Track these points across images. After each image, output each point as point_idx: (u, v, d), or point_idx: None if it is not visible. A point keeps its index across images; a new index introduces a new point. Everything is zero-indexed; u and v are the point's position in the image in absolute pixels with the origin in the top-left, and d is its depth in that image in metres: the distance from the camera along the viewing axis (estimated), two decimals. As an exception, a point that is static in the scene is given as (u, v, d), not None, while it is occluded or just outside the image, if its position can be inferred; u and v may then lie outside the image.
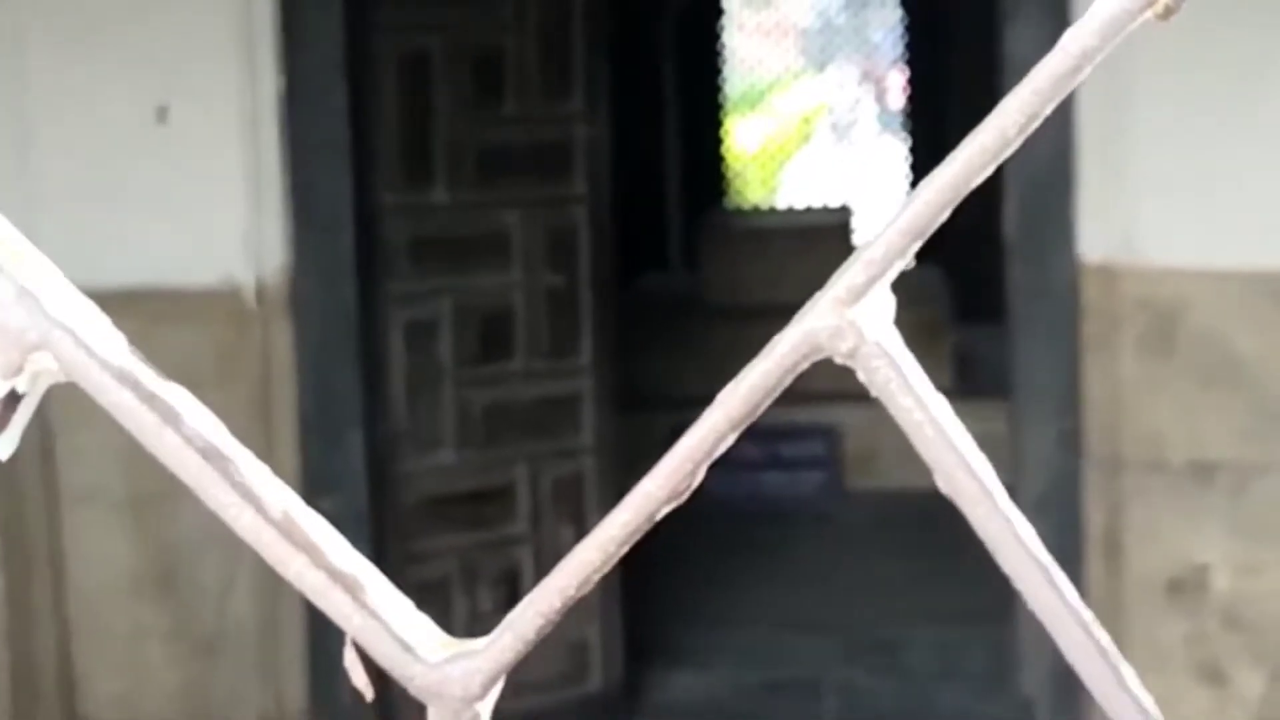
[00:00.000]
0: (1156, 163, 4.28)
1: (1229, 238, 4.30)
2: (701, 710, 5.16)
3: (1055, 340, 4.43)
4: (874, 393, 0.44)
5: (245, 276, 4.45)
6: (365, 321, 4.63)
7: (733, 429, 0.44)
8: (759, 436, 6.98)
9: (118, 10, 4.38)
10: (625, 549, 0.45)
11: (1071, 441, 4.36)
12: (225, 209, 4.45)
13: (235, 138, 4.43)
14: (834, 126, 18.43)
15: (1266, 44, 4.19)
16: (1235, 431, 4.32)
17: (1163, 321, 4.32)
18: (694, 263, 9.17)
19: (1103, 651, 0.43)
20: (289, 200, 4.48)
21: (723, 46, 12.36)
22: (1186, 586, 4.33)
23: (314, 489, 4.37)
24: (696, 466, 0.44)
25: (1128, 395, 4.35)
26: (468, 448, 4.85)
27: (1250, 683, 4.31)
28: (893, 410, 0.43)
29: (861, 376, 0.43)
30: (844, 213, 9.43)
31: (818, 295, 0.44)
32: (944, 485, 0.44)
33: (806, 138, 17.64)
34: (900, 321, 0.44)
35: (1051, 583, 0.44)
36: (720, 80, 12.22)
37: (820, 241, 8.48)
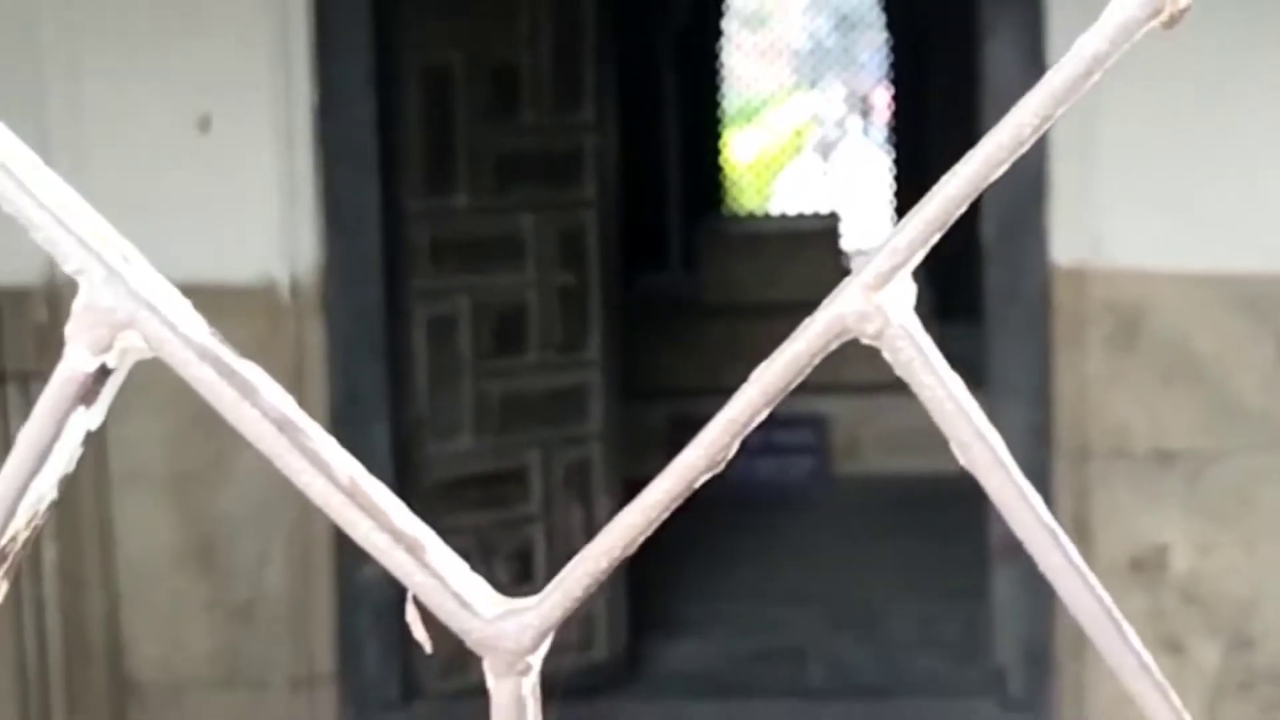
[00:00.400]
0: (1124, 174, 4.28)
1: (1190, 245, 4.30)
2: (698, 676, 5.17)
3: (1028, 339, 4.43)
4: (898, 371, 0.44)
5: (280, 274, 4.45)
6: (390, 317, 4.62)
7: (767, 404, 0.44)
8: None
9: (164, 32, 4.38)
10: (667, 514, 0.45)
11: (1042, 432, 4.36)
12: (262, 212, 4.45)
13: (271, 146, 4.43)
14: (823, 139, 18.42)
15: (1228, 63, 4.19)
16: (1193, 423, 4.32)
17: (1127, 322, 4.32)
18: (692, 264, 9.16)
19: (1106, 609, 0.43)
20: (321, 204, 4.48)
21: (721, 64, 12.34)
22: (1148, 565, 4.33)
23: (343, 471, 4.36)
24: (734, 438, 0.44)
25: (1094, 390, 4.35)
26: (485, 434, 4.85)
27: (1206, 653, 4.32)
28: (915, 387, 0.43)
29: (887, 356, 0.43)
30: (832, 219, 9.42)
31: (845, 280, 0.44)
32: (961, 456, 0.44)
33: (798, 149, 17.63)
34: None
35: (1059, 544, 0.44)
36: (719, 95, 12.21)
37: (810, 245, 8.47)
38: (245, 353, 0.48)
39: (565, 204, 4.91)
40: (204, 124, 4.39)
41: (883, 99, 14.67)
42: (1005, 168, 0.43)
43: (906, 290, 0.43)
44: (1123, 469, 4.34)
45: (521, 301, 4.89)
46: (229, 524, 4.50)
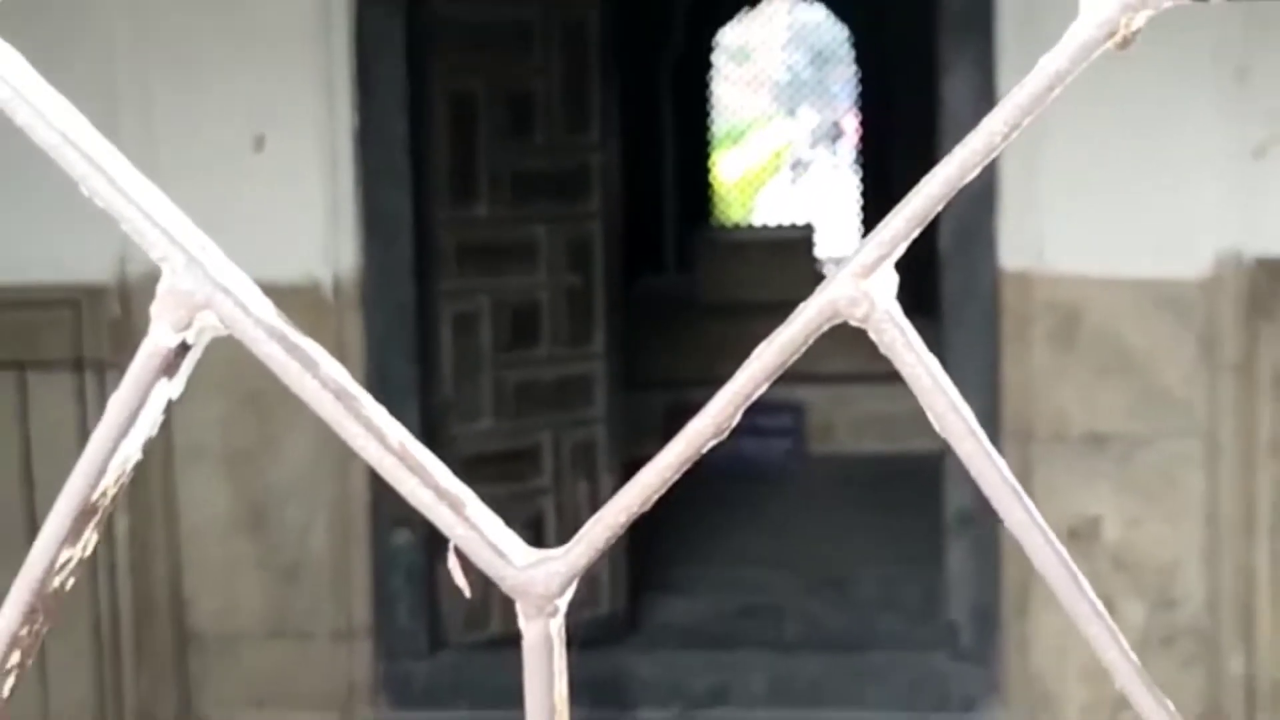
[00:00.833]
0: (1065, 190, 4.27)
1: (1123, 253, 4.29)
2: (690, 629, 5.17)
3: (980, 335, 4.43)
4: (882, 350, 0.44)
5: (324, 275, 4.45)
6: (420, 314, 4.62)
7: (766, 378, 0.44)
8: (737, 411, 6.95)
9: (225, 65, 4.38)
10: (679, 475, 0.45)
11: (991, 418, 4.36)
12: (309, 221, 4.44)
13: (317, 164, 4.43)
14: (799, 160, 18.42)
15: (1163, 91, 4.18)
16: (1123, 410, 4.32)
17: (1067, 321, 4.32)
18: (686, 268, 9.16)
19: (1063, 560, 0.43)
20: (360, 214, 4.47)
21: (711, 93, 12.34)
22: (1083, 535, 4.33)
23: (378, 448, 4.35)
24: (737, 409, 0.44)
25: (1037, 381, 4.35)
26: (502, 417, 4.85)
27: (1134, 612, 4.32)
28: (898, 364, 0.43)
29: (873, 336, 0.43)
30: (807, 229, 9.43)
31: (836, 269, 0.44)
32: (937, 425, 0.44)
33: (777, 169, 17.62)
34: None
35: (1023, 504, 0.44)
36: (709, 120, 12.20)
37: (788, 252, 8.48)
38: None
39: (573, 215, 4.91)
40: (259, 144, 4.38)
41: (852, 125, 14.66)
42: (979, 171, 0.42)
43: (891, 279, 0.43)
44: (1061, 450, 4.34)
45: (535, 301, 4.88)
46: (278, 495, 4.49)
